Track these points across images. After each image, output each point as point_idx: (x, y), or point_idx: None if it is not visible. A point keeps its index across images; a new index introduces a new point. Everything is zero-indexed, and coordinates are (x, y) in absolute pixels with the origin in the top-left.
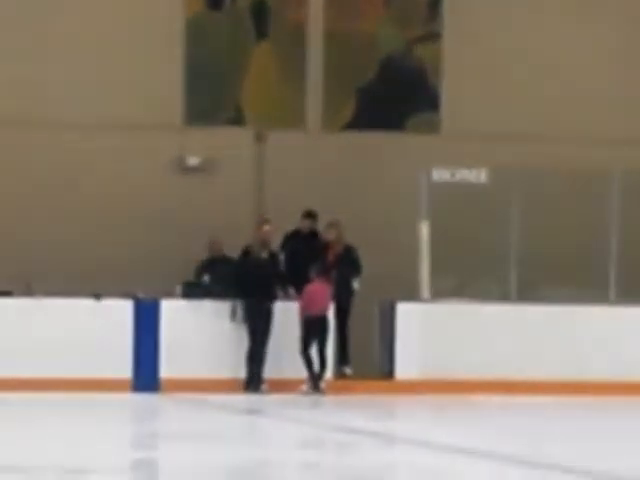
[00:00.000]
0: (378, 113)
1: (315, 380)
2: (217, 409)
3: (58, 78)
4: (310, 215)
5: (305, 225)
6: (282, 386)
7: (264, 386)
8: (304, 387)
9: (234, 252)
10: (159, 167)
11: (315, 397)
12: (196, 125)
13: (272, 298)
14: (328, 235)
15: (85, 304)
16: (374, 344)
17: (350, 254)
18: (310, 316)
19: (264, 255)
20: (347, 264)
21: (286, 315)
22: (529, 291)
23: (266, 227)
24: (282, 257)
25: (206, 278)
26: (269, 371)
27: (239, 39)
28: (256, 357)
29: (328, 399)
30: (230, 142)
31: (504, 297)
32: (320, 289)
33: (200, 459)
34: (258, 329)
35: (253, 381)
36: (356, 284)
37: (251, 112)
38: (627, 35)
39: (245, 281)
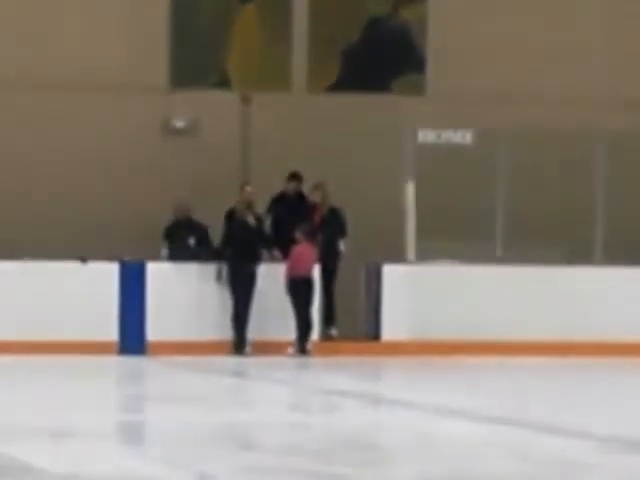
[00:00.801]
0: (363, 74)
1: (303, 342)
2: (203, 371)
3: (43, 39)
4: (295, 177)
5: (290, 187)
6: (268, 348)
7: (248, 348)
8: (290, 349)
9: (220, 214)
10: (145, 129)
11: (302, 359)
12: (182, 87)
13: (256, 260)
14: (314, 197)
15: (71, 267)
16: (360, 306)
17: (336, 216)
18: (296, 277)
19: (250, 218)
20: (333, 226)
21: (272, 277)
22: (515, 252)
23: (247, 188)
24: (269, 220)
25: (192, 240)
26: (256, 333)
27: (224, 1)
28: (240, 319)
29: (314, 361)
30: (215, 104)
31: (490, 258)
32: (306, 251)
33: (186, 421)
34: (242, 291)
35: (239, 343)
36: (342, 245)
37: (236, 74)
38: None
39: (229, 243)
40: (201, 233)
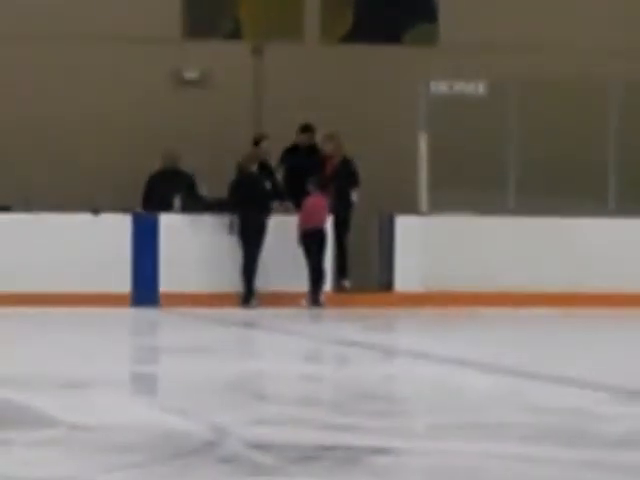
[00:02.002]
0: (376, 25)
1: (316, 293)
2: (217, 323)
3: None
4: (307, 129)
5: (303, 139)
6: (281, 300)
7: (254, 300)
8: (304, 301)
9: (233, 166)
10: (157, 80)
11: (315, 310)
12: (194, 38)
13: (266, 212)
14: (326, 147)
15: (83, 219)
16: (373, 257)
17: (348, 166)
18: (308, 229)
19: (254, 168)
20: (345, 176)
21: (284, 229)
22: (528, 203)
23: (264, 144)
24: (281, 172)
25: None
26: (269, 285)
27: None
28: (247, 271)
29: (327, 312)
30: (228, 55)
31: (503, 209)
32: (318, 202)
33: (200, 372)
34: (250, 243)
35: (247, 295)
36: (354, 196)
37: (249, 25)
38: None
39: (236, 195)
40: (187, 182)
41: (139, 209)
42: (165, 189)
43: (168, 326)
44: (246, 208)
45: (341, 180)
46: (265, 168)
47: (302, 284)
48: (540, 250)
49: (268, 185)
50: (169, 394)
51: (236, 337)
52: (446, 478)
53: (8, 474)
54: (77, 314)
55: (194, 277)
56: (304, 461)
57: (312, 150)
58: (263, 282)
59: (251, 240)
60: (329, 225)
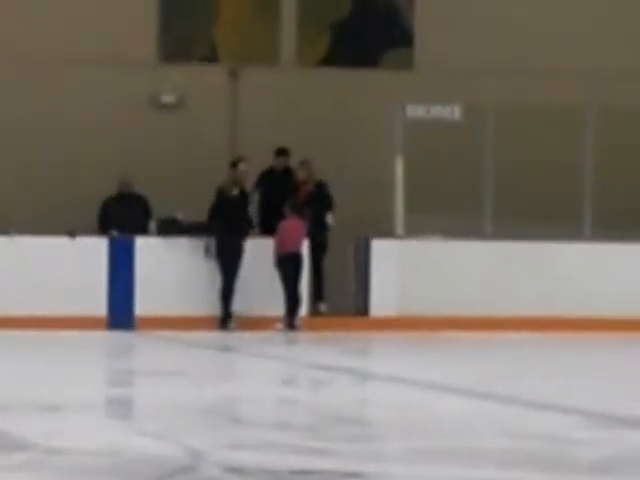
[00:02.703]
0: (352, 49)
1: (292, 317)
2: (192, 346)
3: (31, 13)
4: (282, 152)
5: (278, 163)
6: (256, 324)
7: (232, 323)
8: (279, 325)
9: (209, 189)
10: (134, 104)
11: (290, 334)
12: (170, 62)
13: (243, 235)
14: (299, 174)
15: (59, 242)
16: (349, 281)
17: (321, 190)
18: (284, 253)
19: (235, 192)
20: (319, 200)
21: (260, 252)
22: (504, 228)
23: (242, 167)
24: (257, 196)
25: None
26: (244, 309)
27: None
28: (226, 294)
29: (303, 336)
30: (204, 79)
31: (478, 233)
32: (294, 226)
33: (175, 396)
34: (228, 266)
35: (225, 318)
36: (330, 219)
37: (225, 48)
38: None
39: (217, 218)
40: (142, 205)
41: (115, 233)
42: (120, 212)
43: (143, 349)
44: (225, 231)
45: (316, 204)
46: (241, 192)
47: (278, 308)
48: (516, 274)
49: (250, 209)
50: (144, 418)
51: (212, 361)
52: None
53: None
54: (52, 337)
55: (170, 300)
56: None
57: (287, 173)
58: (239, 305)
59: (229, 263)
60: (305, 249)
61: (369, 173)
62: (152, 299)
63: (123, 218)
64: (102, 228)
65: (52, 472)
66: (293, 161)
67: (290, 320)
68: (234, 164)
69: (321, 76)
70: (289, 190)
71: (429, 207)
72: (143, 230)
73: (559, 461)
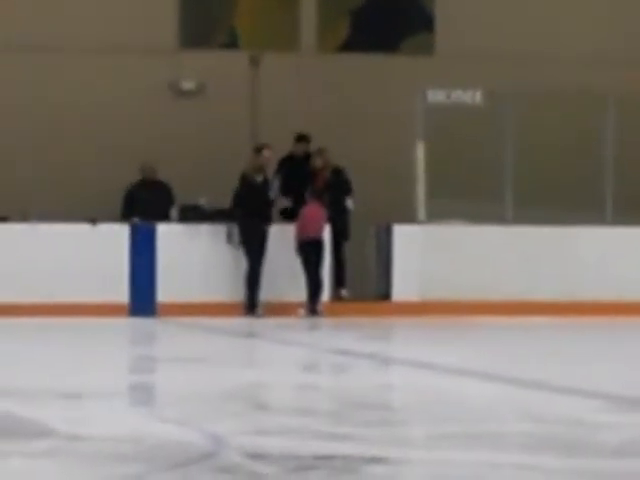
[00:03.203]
0: (372, 34)
1: (314, 303)
2: (214, 333)
3: (50, 1)
4: (302, 138)
5: (298, 149)
6: (279, 309)
7: (259, 309)
8: (301, 310)
9: (230, 175)
10: (154, 91)
11: (312, 320)
12: (190, 49)
13: (267, 221)
14: (315, 162)
15: (81, 229)
16: (370, 266)
17: (339, 176)
18: (305, 239)
19: (259, 179)
20: (338, 186)
21: (282, 239)
22: (525, 212)
23: (266, 153)
24: (277, 182)
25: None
26: (267, 295)
27: None
28: (252, 280)
29: (325, 321)
30: (224, 65)
31: (500, 218)
32: (315, 212)
33: (197, 382)
34: (254, 252)
35: (251, 304)
36: (350, 204)
37: (245, 35)
38: None
39: (241, 205)
40: (166, 193)
41: (137, 219)
42: (144, 199)
43: (165, 336)
44: (250, 218)
45: (334, 190)
46: (265, 179)
47: (300, 294)
48: (538, 259)
49: (272, 195)
50: (167, 404)
51: (233, 347)
52: None
53: None
54: (74, 324)
55: (191, 287)
56: (302, 471)
57: (308, 159)
58: (262, 291)
59: (254, 250)
60: (327, 235)
61: (390, 159)
62: (174, 286)
63: (147, 205)
64: (126, 215)
65: (75, 459)
66: (313, 147)
67: (312, 306)
68: (258, 150)
69: (341, 62)
70: (309, 176)
71: (450, 192)
72: (166, 217)
73: (583, 445)
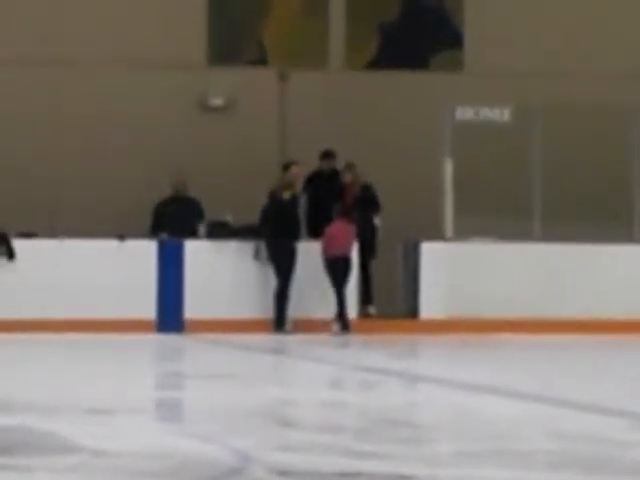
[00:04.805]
0: (401, 51)
1: (345, 320)
2: (241, 349)
3: (81, 17)
4: (328, 155)
5: (325, 165)
6: (308, 326)
7: (288, 326)
8: (335, 327)
9: (259, 191)
10: (182, 107)
11: (340, 337)
12: (219, 64)
13: (296, 237)
14: (344, 178)
15: (109, 245)
16: (398, 284)
17: (368, 192)
18: (331, 256)
19: (287, 196)
20: (366, 202)
21: (311, 255)
22: (553, 229)
23: (295, 169)
24: (304, 198)
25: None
26: (295, 311)
27: None
28: (281, 297)
29: (352, 339)
30: (253, 81)
31: (528, 235)
32: (341, 229)
33: (224, 398)
34: (283, 267)
35: (280, 321)
36: (377, 221)
37: (274, 51)
38: None
39: (269, 222)
40: (196, 209)
41: (165, 235)
42: (174, 215)
43: (193, 352)
44: (278, 235)
45: (363, 206)
46: (293, 195)
47: (328, 310)
48: (565, 276)
49: (300, 212)
50: (193, 420)
51: (260, 363)
52: None
53: None
54: (102, 340)
55: (219, 303)
56: None
57: (334, 176)
58: (290, 308)
59: (283, 266)
60: (354, 252)
61: (418, 175)
62: (201, 302)
63: (175, 220)
64: (155, 230)
65: (101, 475)
66: (340, 163)
67: (343, 322)
68: (286, 167)
69: (370, 78)
70: (336, 193)
71: (478, 209)
72: (194, 233)
73: (607, 463)
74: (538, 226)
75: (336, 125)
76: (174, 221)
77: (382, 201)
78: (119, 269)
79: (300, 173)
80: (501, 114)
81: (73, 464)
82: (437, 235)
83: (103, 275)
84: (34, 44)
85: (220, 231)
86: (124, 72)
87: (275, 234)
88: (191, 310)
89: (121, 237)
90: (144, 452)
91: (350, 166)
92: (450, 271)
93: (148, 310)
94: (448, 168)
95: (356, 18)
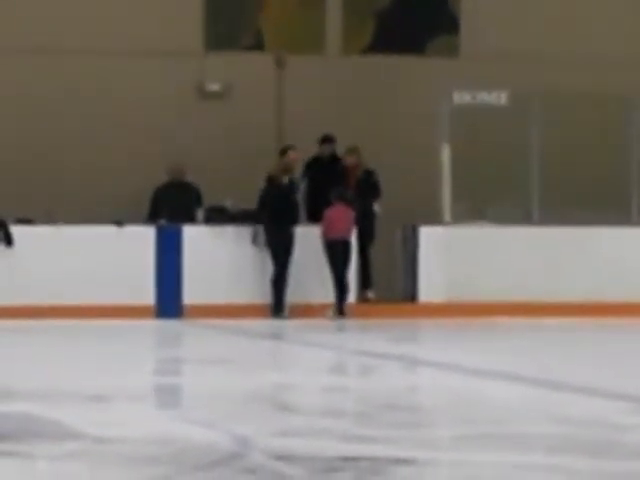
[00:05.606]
0: (397, 36)
1: (341, 305)
2: (240, 335)
3: (76, 4)
4: (328, 139)
5: (325, 150)
6: (306, 311)
7: (285, 311)
8: (330, 312)
9: (256, 176)
10: (179, 93)
11: (339, 321)
12: (216, 50)
13: (293, 223)
14: (348, 161)
15: (107, 231)
16: (396, 268)
17: (370, 178)
18: (330, 240)
19: (285, 180)
20: (367, 188)
21: (309, 240)
22: (551, 213)
23: (292, 154)
24: (304, 184)
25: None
26: (293, 296)
27: None
28: (279, 282)
29: (351, 323)
30: (250, 67)
31: (526, 220)
32: (340, 213)
33: (223, 384)
34: (280, 253)
35: (278, 306)
36: (377, 207)
37: (270, 36)
38: None
39: (266, 207)
40: (194, 194)
41: (163, 221)
42: (172, 200)
43: (192, 338)
44: (276, 220)
45: (363, 192)
46: (291, 180)
47: (326, 295)
48: (564, 260)
49: (298, 196)
50: (193, 406)
51: (259, 348)
52: None
53: None
54: (101, 326)
55: (217, 288)
56: (328, 472)
57: (333, 160)
58: (288, 293)
59: (280, 252)
60: (353, 236)
61: (416, 160)
62: (200, 287)
63: (174, 206)
64: (153, 216)
65: (102, 461)
66: (338, 148)
67: (340, 307)
68: (283, 152)
69: (367, 64)
70: (336, 177)
71: (476, 193)
72: (192, 218)
73: (607, 447)
74: (536, 210)
75: (333, 110)
76: (172, 207)
77: (381, 185)
78: (117, 255)
79: (297, 158)
80: (498, 98)
81: (74, 451)
82: (436, 219)
83: (101, 261)
84: (30, 33)
85: (218, 216)
86: (121, 59)
87: (273, 219)
88: (190, 296)
89: (119, 223)
90: (144, 438)
91: (354, 149)
92: (449, 255)
93: (147, 296)
94: (446, 152)
95: (352, 3)
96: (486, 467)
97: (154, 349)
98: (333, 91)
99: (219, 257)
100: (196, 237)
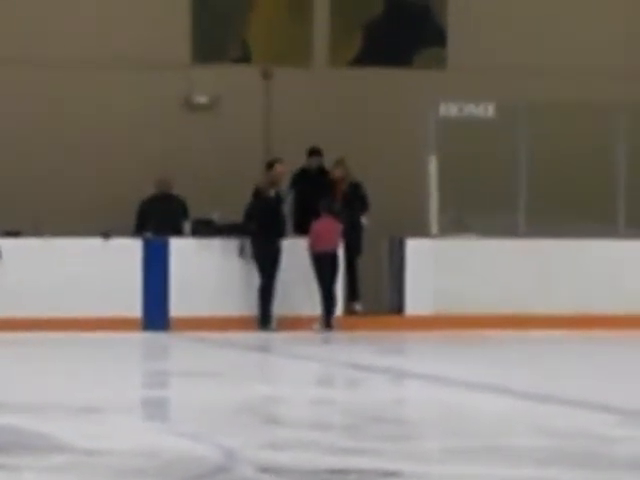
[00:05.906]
0: (385, 49)
1: (328, 317)
2: (227, 347)
3: (63, 15)
4: (315, 152)
5: (312, 162)
6: (293, 323)
7: (273, 324)
8: (317, 325)
9: (243, 189)
10: (167, 105)
11: (326, 334)
12: (203, 63)
13: (281, 235)
14: (335, 173)
15: (94, 243)
16: (383, 280)
17: (357, 191)
18: (317, 252)
19: (272, 193)
20: (354, 200)
21: (296, 253)
22: (538, 225)
23: (279, 167)
24: (291, 196)
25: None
26: (280, 309)
27: None
28: (266, 294)
29: (338, 336)
30: (237, 80)
31: (513, 231)
32: (328, 225)
33: (210, 396)
34: (268, 266)
35: (265, 318)
36: (364, 220)
37: (257, 49)
38: None
39: (253, 219)
40: (180, 207)
41: (149, 234)
42: (158, 213)
43: (179, 350)
44: (262, 232)
45: (351, 204)
46: (277, 193)
47: (314, 308)
48: (551, 272)
49: (285, 209)
50: (181, 419)
51: (247, 361)
52: None
53: None
54: (88, 339)
55: (204, 301)
56: None
57: (321, 173)
58: (275, 305)
59: (267, 264)
60: (340, 249)
61: (403, 172)
62: (187, 300)
63: (160, 219)
64: (139, 229)
65: (90, 473)
66: (326, 161)
67: (327, 320)
68: (270, 165)
69: (354, 76)
70: (323, 190)
71: (463, 206)
72: (179, 231)
73: (596, 459)
74: (523, 222)
75: (320, 123)
76: (159, 219)
77: (368, 198)
78: (104, 267)
79: (284, 171)
80: (485, 110)
81: (62, 463)
82: (422, 231)
83: (88, 274)
84: (18, 44)
85: (205, 229)
86: (108, 70)
87: (260, 232)
88: (176, 308)
89: (106, 235)
90: (132, 451)
91: (341, 162)
92: (436, 267)
93: (134, 308)
94: (433, 164)
95: (340, 15)
96: None
97: (141, 362)
98: (320, 103)
99: (206, 270)
100: (183, 250)
